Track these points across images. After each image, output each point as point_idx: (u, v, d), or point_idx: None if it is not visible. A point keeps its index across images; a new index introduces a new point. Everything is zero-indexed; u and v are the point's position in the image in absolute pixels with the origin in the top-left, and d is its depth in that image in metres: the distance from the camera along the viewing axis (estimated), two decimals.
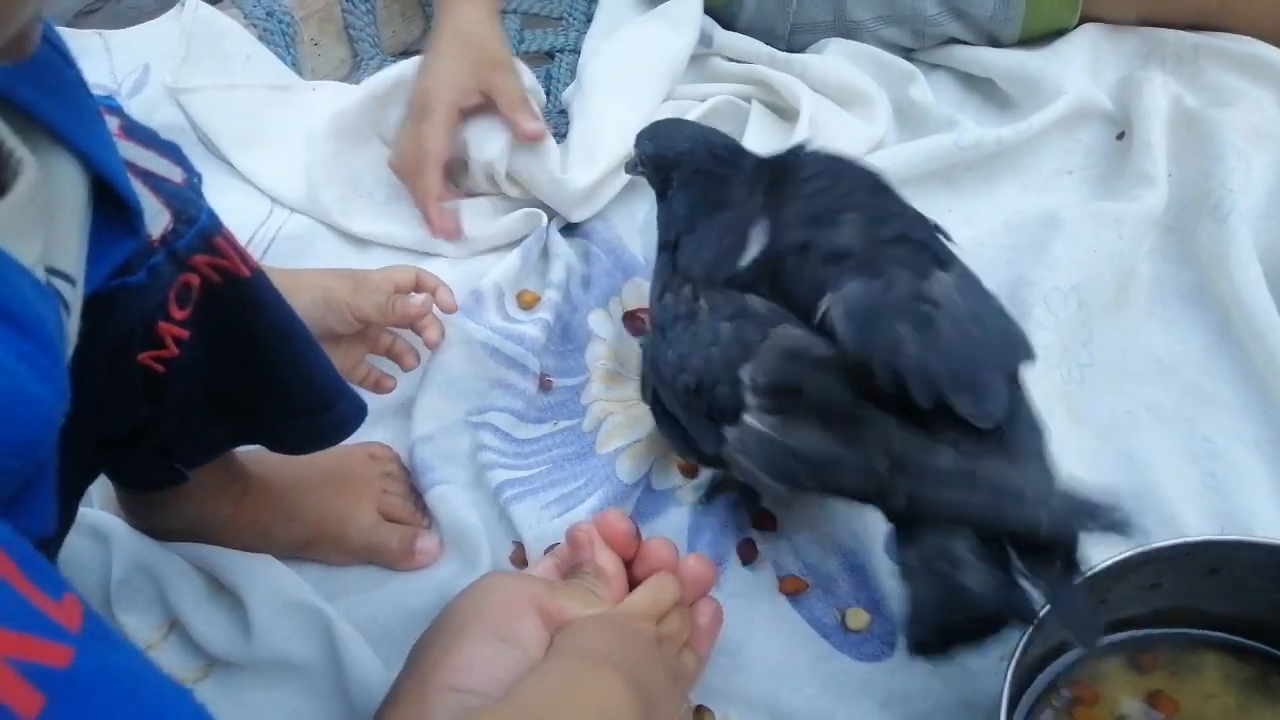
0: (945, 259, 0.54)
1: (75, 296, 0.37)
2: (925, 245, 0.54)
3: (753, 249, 0.54)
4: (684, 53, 0.92)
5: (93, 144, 0.38)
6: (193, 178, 0.46)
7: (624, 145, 0.79)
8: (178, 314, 0.45)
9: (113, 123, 0.42)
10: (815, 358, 0.49)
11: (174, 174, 0.44)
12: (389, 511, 0.67)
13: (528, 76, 0.88)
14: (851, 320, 0.49)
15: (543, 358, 0.75)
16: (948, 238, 0.57)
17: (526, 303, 0.79)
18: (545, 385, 0.75)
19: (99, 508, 0.65)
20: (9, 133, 0.34)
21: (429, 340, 0.72)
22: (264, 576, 0.62)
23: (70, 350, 0.36)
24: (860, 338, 0.48)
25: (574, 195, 0.83)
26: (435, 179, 0.81)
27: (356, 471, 0.69)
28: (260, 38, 0.95)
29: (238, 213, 0.82)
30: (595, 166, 0.83)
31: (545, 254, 0.83)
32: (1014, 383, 0.50)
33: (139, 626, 0.62)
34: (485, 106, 0.83)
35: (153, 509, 0.63)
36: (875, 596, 0.62)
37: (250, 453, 0.63)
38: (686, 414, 0.56)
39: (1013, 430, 0.48)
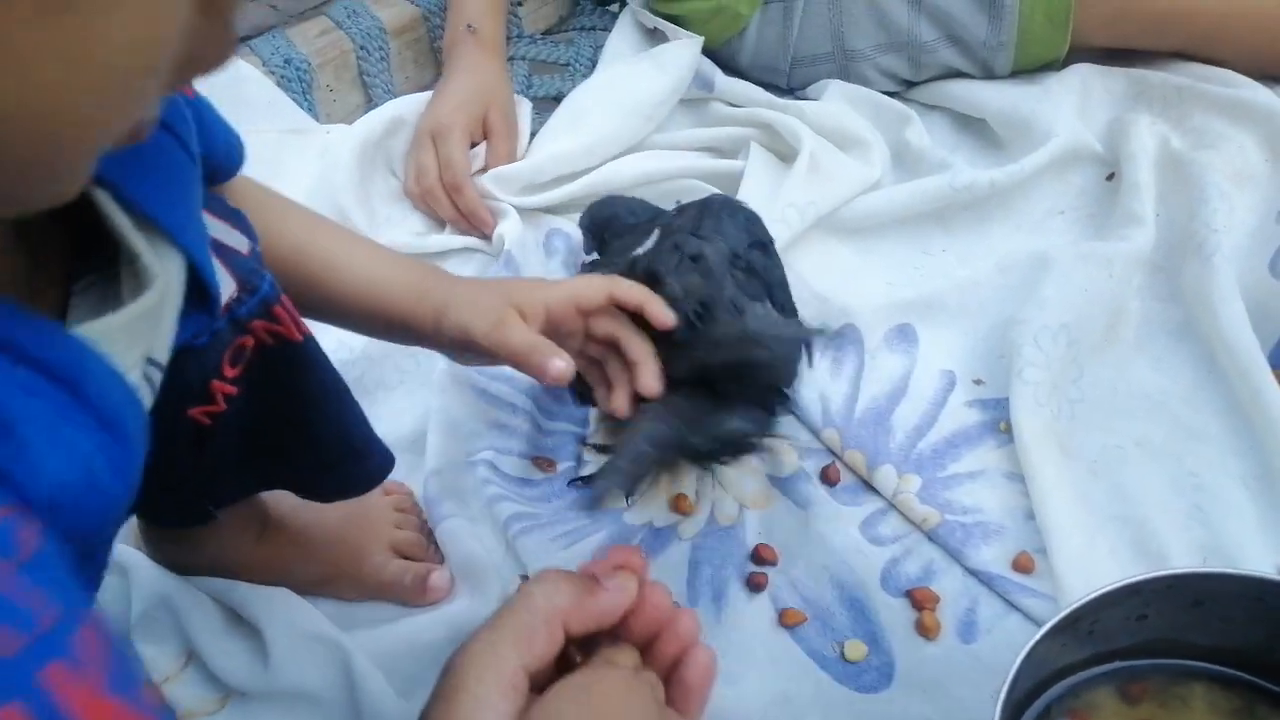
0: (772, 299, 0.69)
1: (159, 378, 0.39)
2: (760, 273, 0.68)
3: (647, 245, 0.68)
4: (665, 95, 0.96)
5: (194, 239, 0.40)
6: (255, 244, 0.48)
7: (558, 176, 0.91)
8: (230, 372, 0.47)
9: None
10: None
11: (241, 244, 0.47)
12: (402, 548, 0.70)
13: (526, 114, 0.95)
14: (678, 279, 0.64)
15: (541, 400, 0.77)
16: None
17: None
18: (546, 468, 0.75)
19: (119, 541, 0.68)
20: (144, 245, 0.36)
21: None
22: (282, 609, 0.64)
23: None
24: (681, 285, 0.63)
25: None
26: (472, 190, 0.89)
27: (371, 510, 0.71)
28: (278, 84, 0.98)
29: None
30: (525, 195, 0.90)
31: None
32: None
33: (158, 657, 0.63)
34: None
35: (175, 544, 0.65)
36: (872, 629, 0.64)
37: (272, 493, 0.66)
38: None
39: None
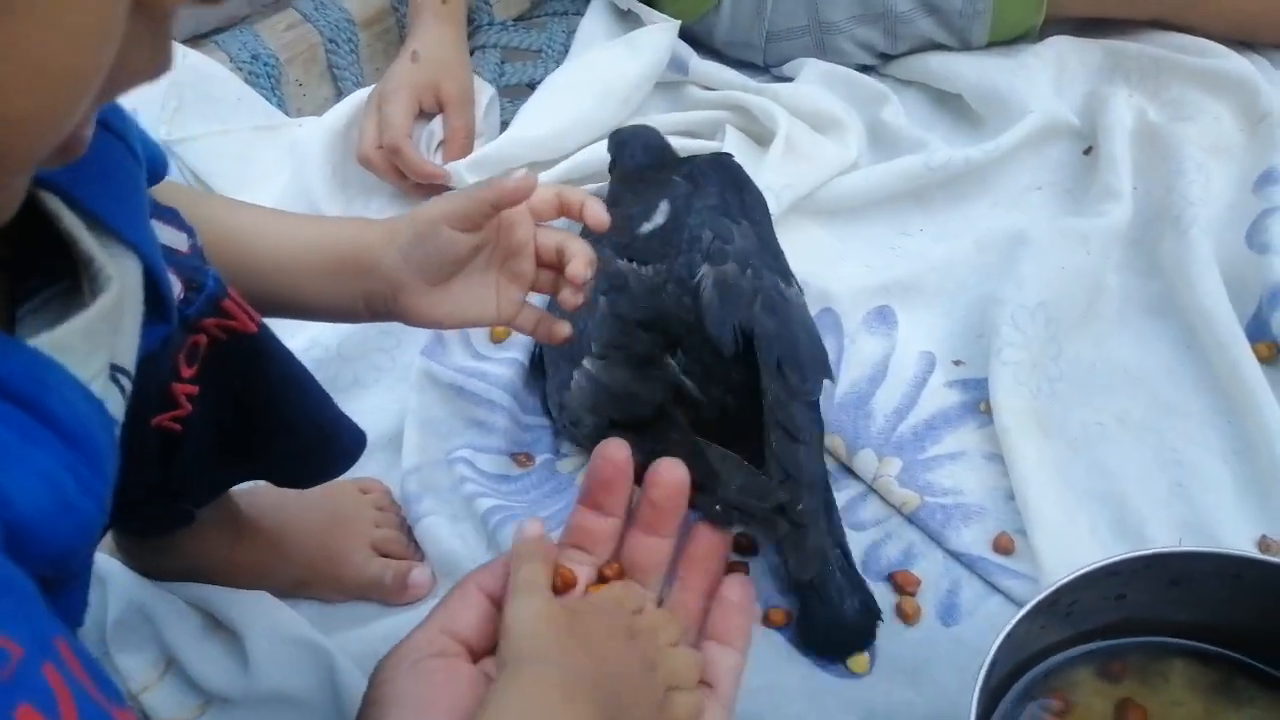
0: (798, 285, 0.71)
1: (129, 385, 0.39)
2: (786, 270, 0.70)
3: (656, 220, 0.69)
4: (638, 78, 0.95)
5: (147, 241, 0.39)
6: (195, 239, 0.47)
7: (533, 161, 0.90)
8: (187, 372, 0.47)
9: None
10: (637, 320, 0.66)
11: (180, 242, 0.46)
12: (382, 546, 0.69)
13: (486, 95, 0.94)
14: (718, 289, 0.64)
15: (520, 396, 0.77)
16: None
17: (498, 336, 0.81)
18: (524, 462, 0.75)
19: None
20: (97, 247, 0.36)
21: (566, 303, 0.57)
22: (262, 613, 0.64)
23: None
24: (722, 303, 0.64)
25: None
26: (413, 150, 0.87)
27: (349, 509, 0.71)
28: (246, 80, 0.97)
29: None
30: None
31: None
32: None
33: (135, 666, 0.63)
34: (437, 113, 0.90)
35: (151, 551, 0.64)
36: None
37: (245, 495, 0.65)
38: (557, 354, 0.71)
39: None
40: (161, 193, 0.52)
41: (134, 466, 0.46)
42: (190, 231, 0.47)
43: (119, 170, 0.40)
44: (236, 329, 0.48)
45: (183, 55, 0.94)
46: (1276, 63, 0.94)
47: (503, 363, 0.77)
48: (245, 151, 0.92)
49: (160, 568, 0.65)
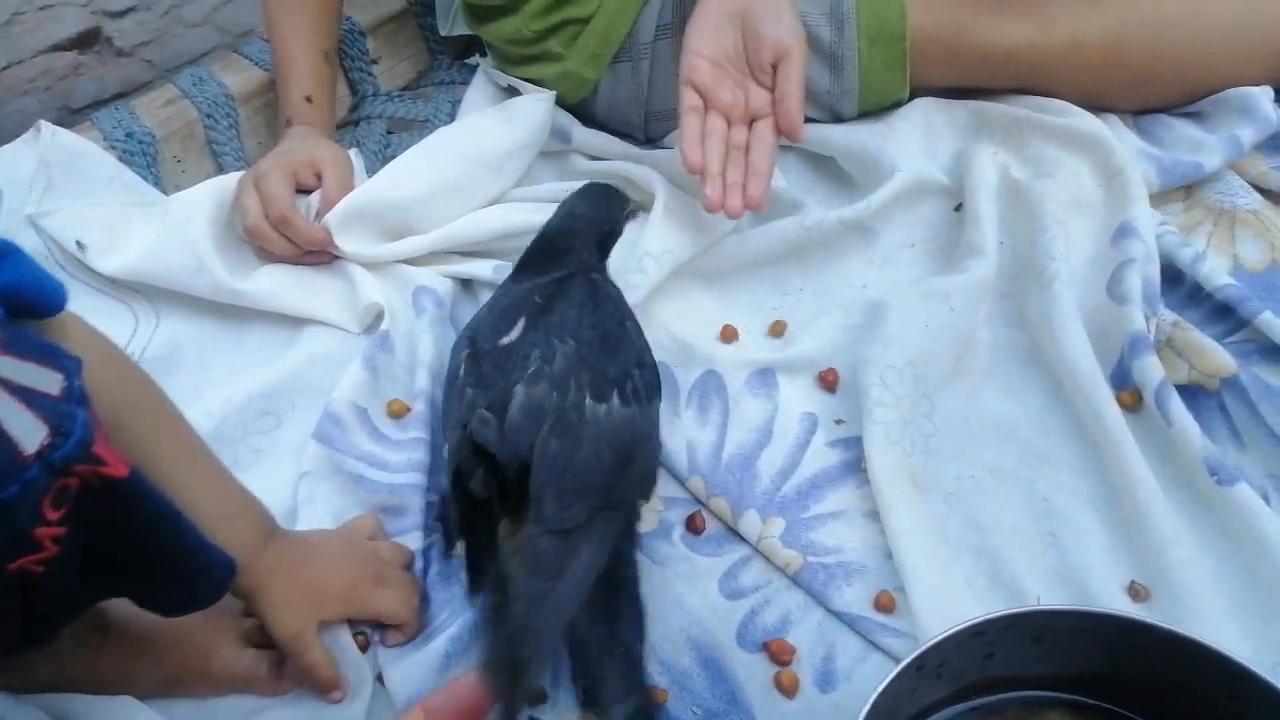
0: (633, 396, 0.67)
1: None
2: (622, 379, 0.67)
3: (512, 335, 0.69)
4: (512, 147, 0.96)
5: None
6: (74, 380, 0.46)
7: (405, 224, 0.91)
8: (53, 515, 0.45)
9: None
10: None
11: (53, 384, 0.45)
12: (252, 636, 0.67)
13: (360, 165, 0.95)
14: (521, 411, 0.62)
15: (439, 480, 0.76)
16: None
17: (395, 412, 0.80)
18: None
19: None
20: None
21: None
22: (125, 719, 0.62)
23: None
24: (520, 424, 0.62)
25: None
26: (300, 219, 0.87)
27: (221, 606, 0.68)
28: (121, 159, 0.95)
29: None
30: (373, 245, 0.90)
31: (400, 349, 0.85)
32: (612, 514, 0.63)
33: None
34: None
35: (7, 669, 0.62)
36: (730, 688, 0.64)
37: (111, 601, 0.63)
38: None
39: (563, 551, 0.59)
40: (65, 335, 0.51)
41: None
42: (68, 371, 0.46)
43: None
44: (107, 475, 0.47)
45: (52, 134, 0.92)
46: (1128, 123, 0.99)
47: (413, 444, 0.77)
48: (118, 223, 0.90)
49: (18, 683, 0.62)
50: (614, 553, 0.62)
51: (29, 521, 0.44)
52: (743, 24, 0.83)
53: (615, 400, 0.64)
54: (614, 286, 0.76)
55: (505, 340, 0.68)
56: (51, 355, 0.46)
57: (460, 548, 0.67)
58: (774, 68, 0.81)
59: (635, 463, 0.65)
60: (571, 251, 0.75)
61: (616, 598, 0.62)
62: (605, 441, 0.62)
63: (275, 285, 0.88)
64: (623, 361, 0.68)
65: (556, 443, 0.61)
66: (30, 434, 0.43)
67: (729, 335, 0.86)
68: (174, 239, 0.87)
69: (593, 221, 0.77)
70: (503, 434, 0.62)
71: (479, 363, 0.68)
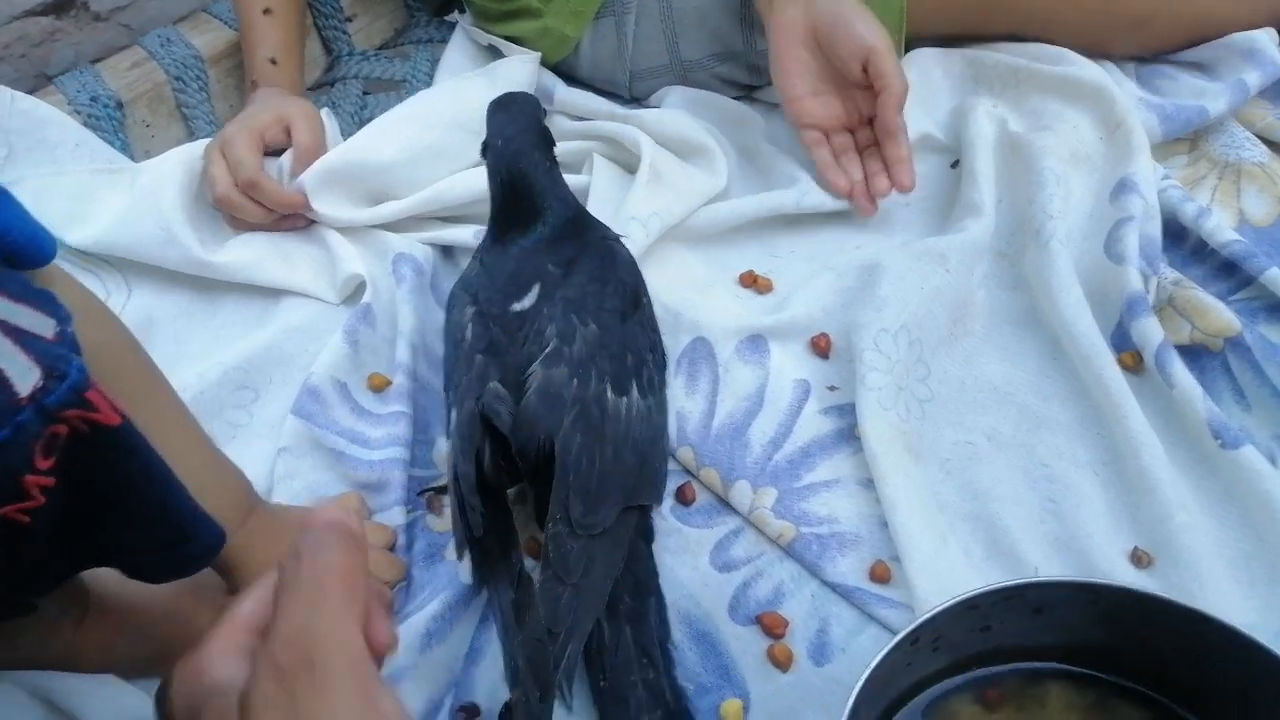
0: (648, 386, 0.65)
1: None
2: (639, 367, 0.65)
3: (525, 302, 0.66)
4: None
5: None
6: (66, 327, 0.45)
7: (384, 190, 0.88)
8: (43, 464, 0.43)
9: None
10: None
11: (46, 328, 0.44)
12: None
13: (333, 126, 0.92)
14: (539, 395, 0.60)
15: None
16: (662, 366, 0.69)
17: (375, 385, 0.78)
18: (434, 506, 0.73)
19: None
20: None
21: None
22: (106, 698, 0.60)
23: None
24: (537, 409, 0.60)
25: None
26: (271, 181, 0.84)
27: (204, 581, 0.67)
28: (86, 124, 0.92)
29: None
30: (352, 209, 0.87)
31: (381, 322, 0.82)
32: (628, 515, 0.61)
33: None
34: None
35: None
36: (723, 662, 0.62)
37: (91, 573, 0.61)
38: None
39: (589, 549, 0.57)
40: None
41: None
42: (62, 318, 0.45)
43: None
44: (99, 421, 0.45)
45: (11, 99, 0.89)
46: (1128, 71, 0.96)
47: (394, 418, 0.74)
48: (84, 192, 0.87)
49: (2, 656, 0.61)
50: (631, 551, 0.60)
51: (20, 467, 0.42)
52: (817, 43, 0.83)
53: (634, 393, 0.62)
54: (626, 251, 0.73)
55: (518, 306, 0.66)
56: (44, 300, 0.45)
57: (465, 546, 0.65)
58: (864, 68, 0.81)
59: (648, 464, 0.63)
60: (536, 184, 0.71)
61: (638, 600, 0.60)
62: (626, 440, 0.60)
63: (250, 256, 0.85)
64: (639, 346, 0.66)
65: (581, 440, 0.58)
66: (24, 376, 0.42)
67: (718, 299, 0.83)
68: (142, 208, 0.84)
69: (528, 137, 0.72)
70: (516, 416, 0.60)
71: (488, 325, 0.65)
